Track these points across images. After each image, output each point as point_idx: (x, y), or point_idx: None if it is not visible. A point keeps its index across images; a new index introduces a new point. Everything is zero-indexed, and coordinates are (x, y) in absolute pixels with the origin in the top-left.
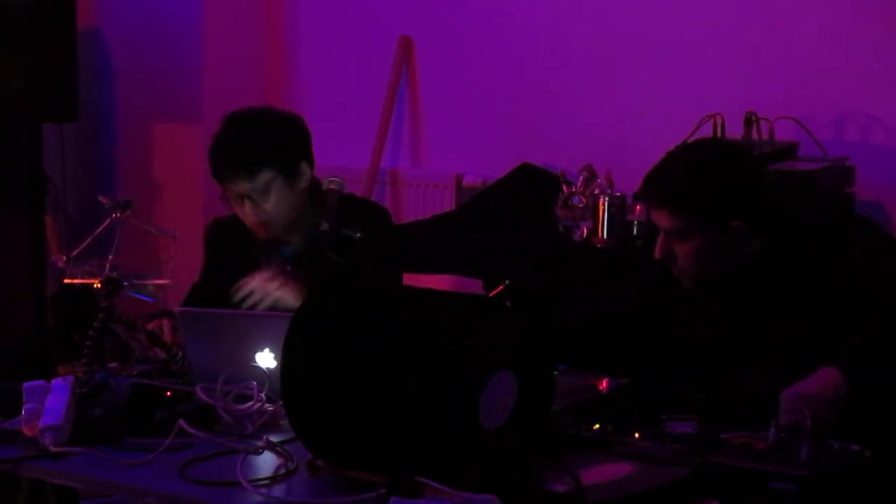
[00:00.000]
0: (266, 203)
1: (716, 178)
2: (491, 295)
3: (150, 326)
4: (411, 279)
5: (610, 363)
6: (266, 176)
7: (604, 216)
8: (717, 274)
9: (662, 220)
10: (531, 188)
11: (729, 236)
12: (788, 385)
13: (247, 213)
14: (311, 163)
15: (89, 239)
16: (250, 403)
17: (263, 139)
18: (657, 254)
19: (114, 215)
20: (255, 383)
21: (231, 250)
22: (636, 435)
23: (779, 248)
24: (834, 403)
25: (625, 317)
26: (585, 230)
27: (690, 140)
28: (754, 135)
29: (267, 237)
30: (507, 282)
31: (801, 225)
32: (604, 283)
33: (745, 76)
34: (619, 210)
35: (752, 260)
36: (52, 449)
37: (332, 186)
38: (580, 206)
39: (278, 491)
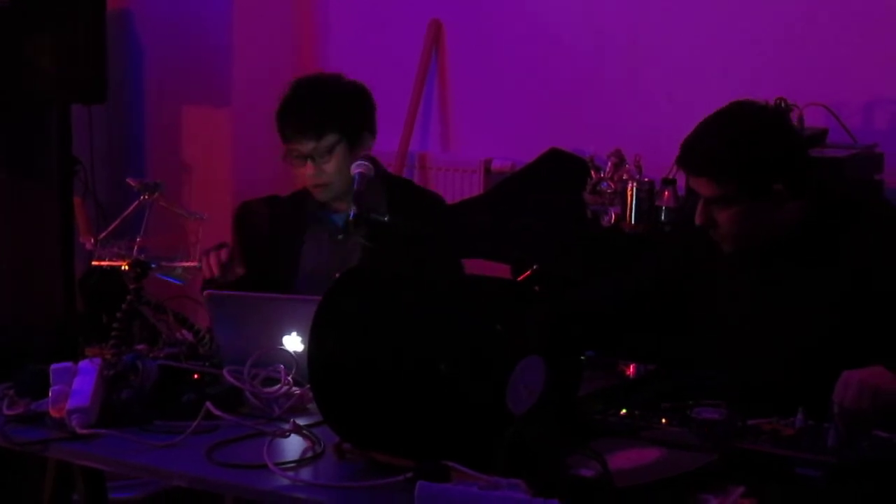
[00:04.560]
0: (327, 165)
1: (756, 142)
2: (519, 280)
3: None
4: None
5: (638, 349)
6: (331, 138)
7: (632, 202)
8: (758, 239)
9: (703, 187)
10: (560, 173)
11: (770, 200)
12: (812, 372)
13: (308, 174)
14: (373, 134)
15: (117, 221)
16: (277, 387)
17: (333, 102)
18: (698, 220)
19: (142, 197)
20: (282, 366)
21: (262, 232)
22: (663, 420)
23: (817, 216)
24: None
25: (651, 294)
26: (614, 216)
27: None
28: None
29: (321, 201)
30: (535, 267)
31: (837, 194)
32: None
33: (774, 62)
34: (647, 195)
35: (791, 225)
36: (80, 431)
37: (359, 170)
38: (609, 191)
39: (305, 474)
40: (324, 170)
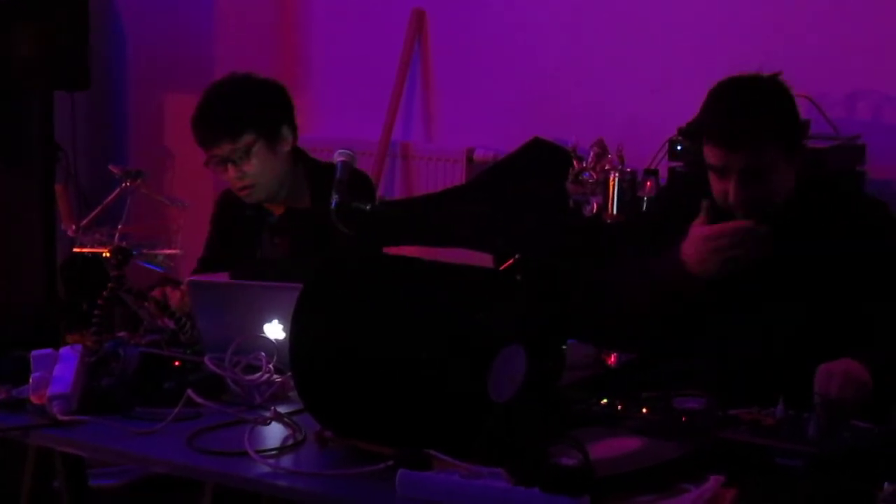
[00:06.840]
0: (248, 166)
1: (782, 103)
2: (501, 269)
3: (154, 294)
4: (422, 252)
5: (622, 338)
6: (247, 138)
7: (614, 192)
8: (765, 204)
9: (739, 161)
10: (542, 163)
11: (794, 157)
12: (794, 359)
13: (231, 177)
14: (292, 128)
15: (99, 208)
16: (259, 374)
17: (245, 102)
18: (732, 198)
19: (124, 184)
20: (263, 354)
21: (240, 221)
22: (644, 410)
23: (805, 190)
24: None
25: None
26: (596, 205)
27: (721, 81)
28: None
29: (251, 202)
30: (517, 256)
31: (821, 175)
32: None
33: (756, 53)
34: (629, 186)
35: (785, 195)
36: (61, 417)
37: (342, 158)
38: (591, 181)
39: (286, 462)
40: (245, 171)
